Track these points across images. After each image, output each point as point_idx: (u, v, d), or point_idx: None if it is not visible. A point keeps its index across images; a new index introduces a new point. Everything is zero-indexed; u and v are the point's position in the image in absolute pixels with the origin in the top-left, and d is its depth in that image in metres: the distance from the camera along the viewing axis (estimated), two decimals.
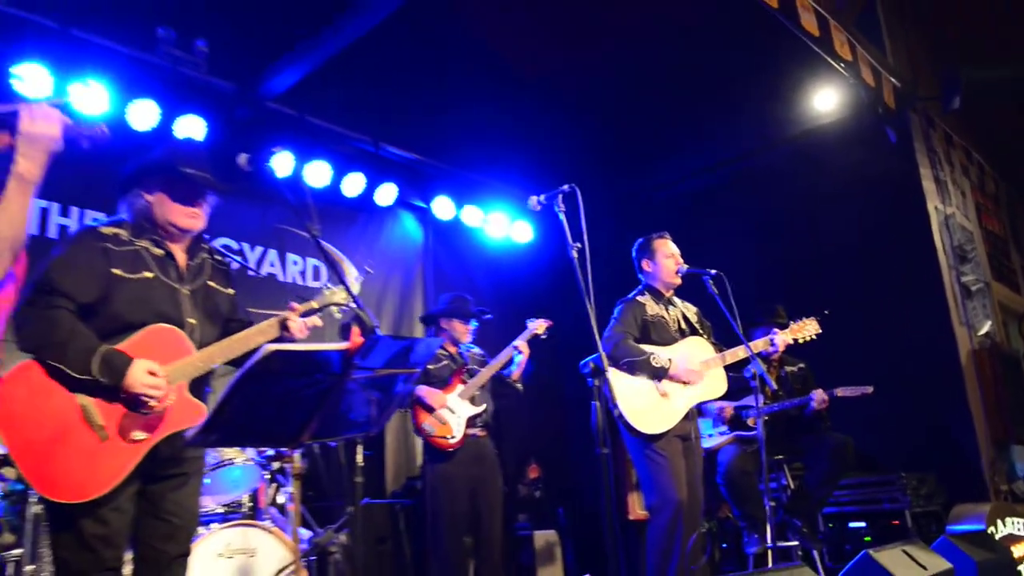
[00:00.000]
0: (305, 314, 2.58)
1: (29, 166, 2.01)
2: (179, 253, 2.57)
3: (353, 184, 6.21)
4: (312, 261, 6.33)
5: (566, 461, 7.42)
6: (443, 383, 4.77)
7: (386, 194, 6.45)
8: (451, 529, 4.75)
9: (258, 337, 2.50)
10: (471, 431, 4.78)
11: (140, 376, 2.23)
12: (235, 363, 2.51)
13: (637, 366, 3.88)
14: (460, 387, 4.81)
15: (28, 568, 3.62)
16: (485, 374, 4.81)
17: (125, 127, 5.03)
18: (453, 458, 4.75)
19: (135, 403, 2.26)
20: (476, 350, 5.08)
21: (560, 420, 7.60)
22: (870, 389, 4.79)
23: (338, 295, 2.63)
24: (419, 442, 5.91)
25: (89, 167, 3.74)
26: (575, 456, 7.46)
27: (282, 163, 5.49)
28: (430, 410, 4.70)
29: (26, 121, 2.01)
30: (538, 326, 4.96)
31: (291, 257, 6.19)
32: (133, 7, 5.02)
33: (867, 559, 3.05)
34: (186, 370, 2.38)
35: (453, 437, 4.69)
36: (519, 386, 4.97)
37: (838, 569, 3.41)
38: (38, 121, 2.02)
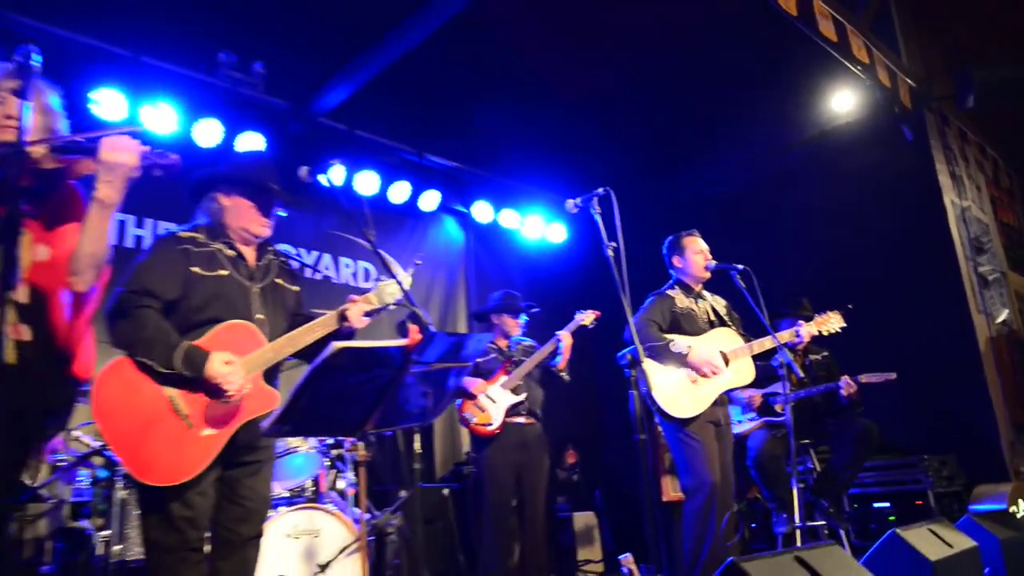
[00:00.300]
0: (369, 314, 2.59)
1: (109, 191, 2.07)
2: (249, 254, 2.62)
3: (399, 192, 6.27)
4: (363, 264, 6.40)
5: (601, 447, 7.42)
6: (489, 374, 4.80)
7: (430, 200, 6.50)
8: (497, 510, 4.76)
9: (320, 329, 2.53)
10: (512, 419, 4.78)
11: (218, 366, 2.28)
12: (303, 356, 2.55)
13: (658, 351, 3.85)
14: (504, 378, 4.83)
15: (116, 548, 3.72)
16: (527, 365, 4.79)
17: (191, 144, 5.14)
18: (496, 444, 4.77)
19: (216, 391, 2.31)
20: (527, 342, 5.06)
21: (595, 408, 7.61)
22: (894, 375, 4.70)
23: (391, 287, 2.63)
24: (465, 430, 5.96)
25: (161, 182, 3.80)
26: (609, 442, 7.45)
27: (335, 174, 5.56)
28: (472, 399, 4.73)
29: (107, 150, 2.05)
30: (586, 317, 4.87)
31: (343, 260, 6.27)
32: (196, 34, 5.12)
33: (894, 537, 2.99)
34: (259, 361, 2.42)
35: (491, 425, 4.71)
36: (565, 376, 4.91)
37: (864, 547, 3.36)
38: (118, 151, 2.06)
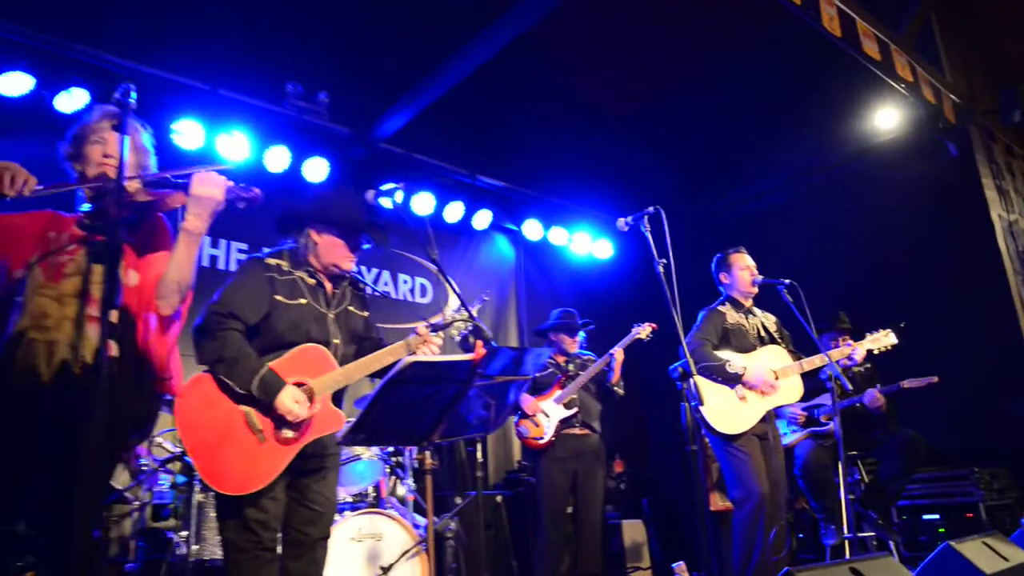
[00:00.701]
0: (435, 328, 2.62)
1: (196, 223, 2.18)
2: (327, 283, 2.68)
3: (453, 211, 6.36)
4: (420, 280, 6.49)
5: (648, 457, 7.34)
6: (546, 388, 4.82)
7: (482, 219, 6.58)
8: (552, 516, 4.75)
9: (389, 357, 2.57)
10: (566, 430, 4.78)
11: (287, 401, 2.35)
12: (372, 376, 2.60)
13: (713, 371, 3.82)
14: (558, 392, 4.83)
15: (194, 547, 3.81)
16: (581, 380, 4.78)
17: (262, 170, 5.30)
18: (549, 454, 4.77)
19: (282, 420, 2.38)
20: (585, 356, 5.04)
21: (642, 419, 7.54)
22: (935, 379, 4.56)
23: (459, 315, 2.67)
24: (516, 440, 5.97)
25: (235, 207, 3.96)
26: (656, 452, 7.37)
27: (398, 196, 5.66)
28: (526, 416, 4.77)
29: (196, 185, 2.17)
30: (643, 330, 4.82)
31: (402, 277, 6.37)
32: (266, 67, 5.30)
33: (948, 550, 2.89)
34: (329, 383, 2.48)
35: (543, 438, 4.72)
36: (619, 390, 4.88)
37: (914, 559, 3.26)
38: (206, 185, 2.17)
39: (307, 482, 2.54)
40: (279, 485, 2.42)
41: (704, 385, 3.78)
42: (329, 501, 2.61)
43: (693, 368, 3.02)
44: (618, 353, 4.72)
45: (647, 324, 4.82)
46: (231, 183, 2.22)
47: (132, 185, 2.14)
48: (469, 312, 2.53)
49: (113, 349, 2.10)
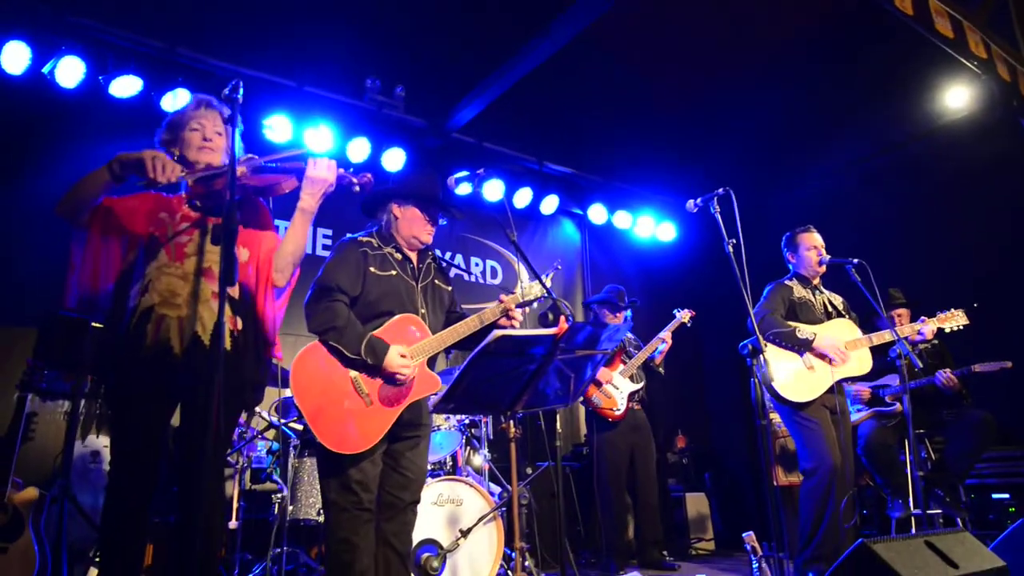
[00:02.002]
0: (519, 306, 2.69)
1: (311, 202, 2.29)
2: (413, 257, 2.78)
3: (522, 197, 6.38)
4: (491, 263, 6.54)
5: (710, 433, 7.25)
6: (606, 362, 4.82)
7: (549, 204, 6.58)
8: (615, 487, 4.78)
9: (475, 324, 2.65)
10: (632, 404, 4.81)
11: (395, 359, 2.45)
12: (459, 346, 2.68)
13: (783, 337, 3.71)
14: (621, 366, 4.84)
15: (290, 508, 3.97)
16: (641, 356, 4.85)
17: (345, 161, 5.42)
18: (616, 427, 4.79)
19: (391, 378, 2.48)
20: (629, 335, 5.09)
21: (701, 396, 7.45)
22: (1009, 364, 4.33)
23: (535, 288, 2.73)
24: (582, 414, 5.98)
25: (349, 190, 4.08)
26: (716, 429, 7.27)
27: (464, 186, 5.70)
28: (598, 384, 4.77)
29: (311, 168, 2.27)
30: (684, 315, 4.95)
31: (474, 260, 6.44)
32: (347, 64, 5.41)
33: None
34: (425, 349, 2.57)
35: (618, 409, 4.74)
36: (661, 370, 4.98)
37: (982, 537, 3.11)
38: (320, 169, 2.27)
39: (401, 449, 2.61)
40: (379, 449, 2.51)
41: (773, 357, 3.69)
42: (420, 469, 2.68)
43: (763, 344, 2.95)
44: (668, 337, 4.86)
45: (686, 310, 4.93)
46: (341, 169, 2.30)
47: (241, 170, 2.23)
48: (549, 291, 2.54)
49: (236, 322, 2.21)
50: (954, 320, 3.93)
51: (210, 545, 2.12)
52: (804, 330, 3.73)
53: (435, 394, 2.59)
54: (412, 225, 2.72)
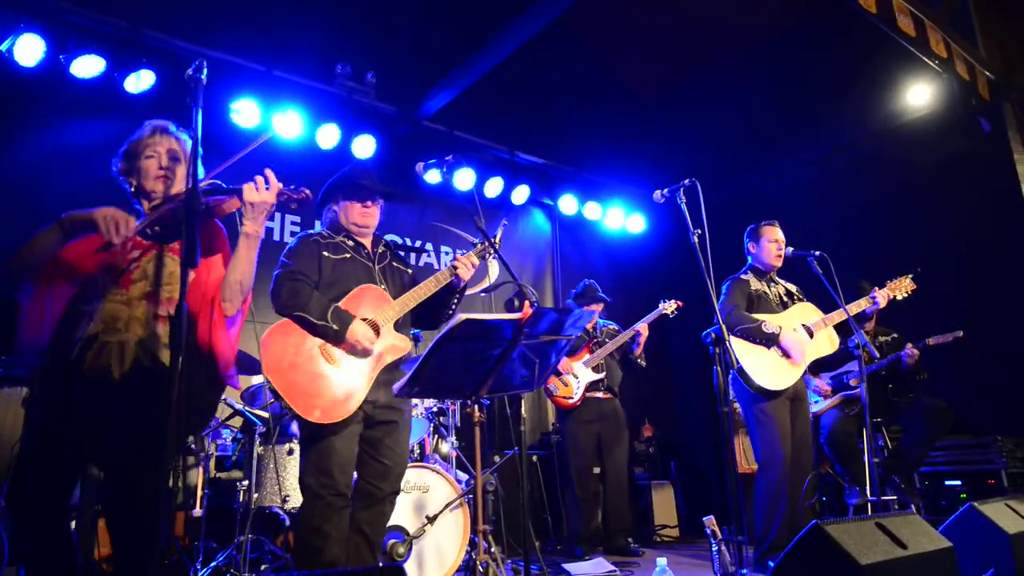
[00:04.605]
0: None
1: (254, 226, 2.20)
2: (367, 243, 2.87)
3: (493, 187, 6.37)
4: (460, 252, 6.53)
5: (675, 422, 7.36)
6: (574, 352, 4.86)
7: (520, 194, 6.58)
8: (580, 476, 4.84)
9: (433, 285, 2.73)
10: (591, 393, 4.85)
11: (358, 331, 2.53)
12: (423, 323, 2.83)
13: (751, 332, 3.81)
14: (587, 356, 4.88)
15: (254, 496, 3.95)
16: (608, 348, 4.87)
17: (315, 146, 5.37)
18: (576, 415, 4.84)
19: (353, 348, 2.54)
20: (612, 326, 5.13)
21: (668, 387, 7.54)
22: (960, 333, 4.56)
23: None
24: (549, 404, 6.03)
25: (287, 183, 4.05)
26: (683, 418, 7.38)
27: (433, 173, 5.68)
28: (558, 374, 4.81)
29: (249, 193, 2.18)
30: (668, 306, 4.92)
31: (443, 248, 6.43)
32: (318, 48, 5.34)
33: (971, 510, 2.86)
34: (389, 315, 2.65)
35: (572, 398, 4.78)
36: (641, 362, 4.99)
37: (935, 522, 3.23)
38: (258, 192, 2.18)
39: (379, 436, 2.62)
40: (352, 428, 2.52)
41: (743, 349, 3.78)
42: (400, 457, 2.69)
43: (726, 333, 3.02)
44: (643, 328, 4.81)
45: (672, 301, 4.90)
46: (280, 186, 2.22)
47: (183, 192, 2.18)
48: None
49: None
50: (903, 287, 4.13)
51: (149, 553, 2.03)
52: (769, 324, 3.82)
53: (403, 366, 2.64)
54: (350, 213, 2.82)
